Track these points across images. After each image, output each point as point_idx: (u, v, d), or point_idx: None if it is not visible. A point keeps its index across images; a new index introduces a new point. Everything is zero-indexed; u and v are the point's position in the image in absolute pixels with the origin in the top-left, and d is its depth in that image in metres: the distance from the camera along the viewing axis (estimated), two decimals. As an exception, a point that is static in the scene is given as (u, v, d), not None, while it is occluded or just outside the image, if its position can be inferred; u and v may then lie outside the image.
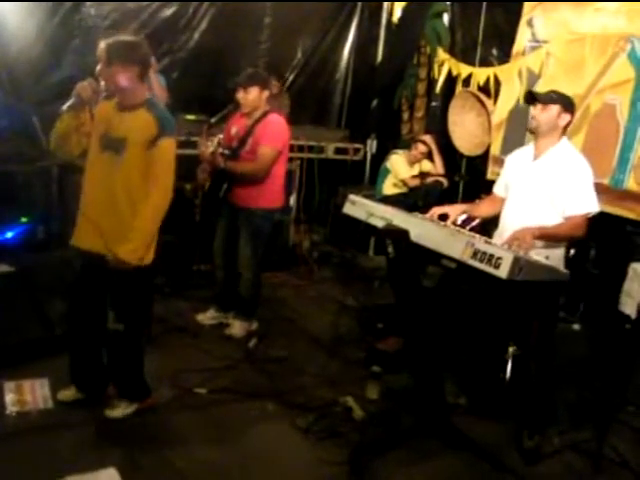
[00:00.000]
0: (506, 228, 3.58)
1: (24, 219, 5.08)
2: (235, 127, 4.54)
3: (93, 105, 3.23)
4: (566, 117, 3.52)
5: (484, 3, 6.28)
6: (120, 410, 3.50)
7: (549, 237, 3.43)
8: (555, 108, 3.49)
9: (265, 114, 4.44)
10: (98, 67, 3.13)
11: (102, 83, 3.15)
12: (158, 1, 6.37)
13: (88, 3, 6.01)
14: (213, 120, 4.65)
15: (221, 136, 4.50)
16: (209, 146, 4.41)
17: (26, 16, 5.66)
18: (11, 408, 3.46)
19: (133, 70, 3.12)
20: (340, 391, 3.90)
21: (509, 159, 3.84)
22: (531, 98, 3.57)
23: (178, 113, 6.14)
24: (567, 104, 3.53)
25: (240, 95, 4.39)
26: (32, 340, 3.95)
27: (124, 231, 3.14)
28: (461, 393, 3.89)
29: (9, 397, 3.53)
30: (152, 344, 4.14)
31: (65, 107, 3.17)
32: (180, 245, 5.50)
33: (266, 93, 4.44)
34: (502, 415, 3.75)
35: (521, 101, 5.69)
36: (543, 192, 3.48)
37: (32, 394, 3.59)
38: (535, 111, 3.52)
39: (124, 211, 3.17)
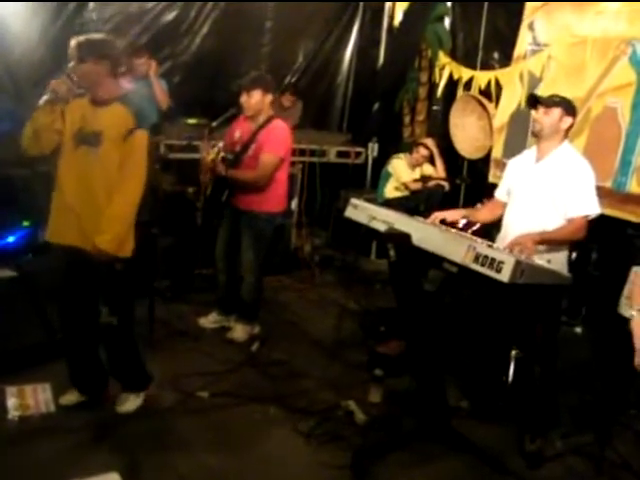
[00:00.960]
0: (509, 232, 3.58)
1: (26, 223, 5.07)
2: (239, 131, 4.54)
3: (65, 103, 3.27)
4: (568, 120, 3.53)
5: (485, 6, 6.29)
6: (130, 403, 3.55)
7: (550, 241, 3.44)
8: (557, 111, 3.50)
9: (269, 120, 4.43)
10: (70, 65, 3.19)
11: (75, 80, 3.20)
12: (161, 1, 6.38)
13: (90, 7, 6.03)
14: (215, 124, 4.63)
15: (221, 144, 4.48)
16: (210, 153, 4.41)
17: (29, 19, 5.69)
18: (13, 412, 3.46)
19: (105, 66, 3.21)
20: (342, 395, 3.90)
21: (511, 163, 3.85)
22: (533, 101, 3.58)
23: (180, 117, 6.17)
24: (568, 107, 3.55)
25: (243, 98, 4.38)
26: (34, 345, 3.96)
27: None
28: (463, 396, 3.89)
29: (11, 401, 3.54)
30: (154, 348, 4.14)
31: (41, 102, 3.21)
32: (182, 248, 5.50)
33: (269, 97, 4.42)
34: (504, 418, 3.74)
35: (522, 105, 5.70)
36: (545, 195, 3.49)
37: (34, 398, 3.59)
38: (537, 115, 3.53)
39: (103, 204, 3.21)
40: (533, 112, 3.58)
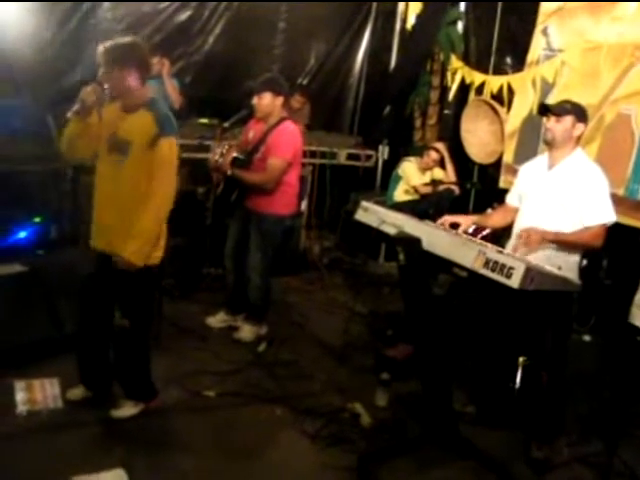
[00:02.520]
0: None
1: (37, 219, 5.11)
2: (252, 131, 4.55)
3: (99, 109, 3.24)
4: (580, 127, 3.51)
5: (499, 11, 6.27)
6: (125, 410, 3.52)
7: (566, 243, 3.42)
8: (569, 119, 3.47)
9: (280, 121, 4.44)
10: (99, 71, 3.16)
11: (105, 87, 3.17)
12: (175, 1, 6.40)
13: (105, 6, 6.05)
14: (226, 124, 4.65)
15: (226, 144, 4.48)
16: (216, 153, 4.42)
17: (43, 19, 5.72)
18: (22, 407, 3.48)
19: (133, 72, 3.15)
20: (348, 397, 3.90)
21: (523, 169, 3.83)
22: (544, 110, 3.55)
23: (191, 117, 6.18)
24: (580, 114, 3.52)
25: (254, 100, 4.40)
26: (43, 339, 3.97)
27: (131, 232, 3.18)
28: (469, 402, 3.88)
29: (20, 396, 3.56)
30: (161, 346, 4.15)
31: (70, 113, 3.19)
32: (191, 248, 5.52)
33: (280, 99, 4.42)
34: (510, 425, 3.73)
35: (534, 110, 5.67)
36: (558, 202, 3.47)
37: (42, 393, 3.61)
38: (549, 123, 3.50)
39: (131, 212, 3.19)
40: (545, 120, 3.56)
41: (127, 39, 3.24)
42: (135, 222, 3.16)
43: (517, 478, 3.35)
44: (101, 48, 3.12)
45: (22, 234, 5.02)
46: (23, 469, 3.01)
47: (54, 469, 3.01)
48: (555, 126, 3.48)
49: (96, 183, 3.35)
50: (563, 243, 3.41)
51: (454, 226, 3.66)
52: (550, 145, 3.55)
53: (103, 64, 3.13)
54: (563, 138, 3.48)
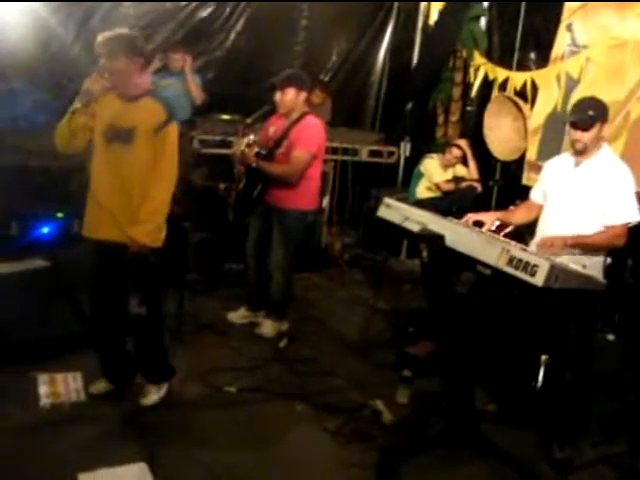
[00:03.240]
0: (545, 235, 3.53)
1: (60, 214, 5.15)
2: (273, 127, 4.54)
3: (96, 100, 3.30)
4: (606, 127, 3.46)
5: (523, 6, 6.21)
6: (152, 396, 3.58)
7: (587, 246, 3.39)
8: (597, 125, 3.41)
9: (302, 116, 4.43)
10: (101, 62, 3.21)
11: (105, 77, 3.22)
12: (196, 1, 6.43)
13: (127, 4, 6.09)
14: (249, 120, 4.65)
15: (252, 136, 4.48)
16: (240, 144, 4.42)
17: (66, 15, 5.76)
18: (45, 400, 3.52)
19: (136, 61, 3.22)
20: (369, 394, 3.88)
21: (548, 165, 3.79)
22: (571, 124, 3.48)
23: (213, 113, 6.20)
24: (604, 115, 3.44)
25: (277, 96, 4.39)
26: (66, 334, 4.01)
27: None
28: (491, 400, 3.86)
29: (43, 389, 3.60)
30: (182, 342, 4.17)
31: (77, 104, 3.24)
32: (213, 243, 5.53)
33: (303, 94, 4.42)
34: (533, 424, 3.70)
35: (559, 107, 5.63)
36: (583, 200, 3.43)
37: (65, 387, 3.66)
38: (577, 135, 3.43)
39: (137, 198, 3.26)
40: (572, 131, 3.49)
41: (124, 30, 3.32)
42: (142, 206, 3.24)
43: (539, 478, 3.32)
44: (100, 38, 3.18)
45: (45, 229, 5.07)
46: (46, 461, 3.03)
47: (76, 461, 3.03)
48: (584, 136, 3.41)
49: (95, 174, 3.38)
50: (584, 246, 3.38)
51: (478, 224, 3.63)
52: (582, 153, 3.49)
53: (103, 54, 3.18)
54: (593, 144, 3.44)
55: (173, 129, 3.31)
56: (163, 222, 3.34)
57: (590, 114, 3.41)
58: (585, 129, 3.40)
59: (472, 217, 3.65)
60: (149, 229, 3.26)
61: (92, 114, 3.29)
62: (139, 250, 3.23)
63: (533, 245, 3.50)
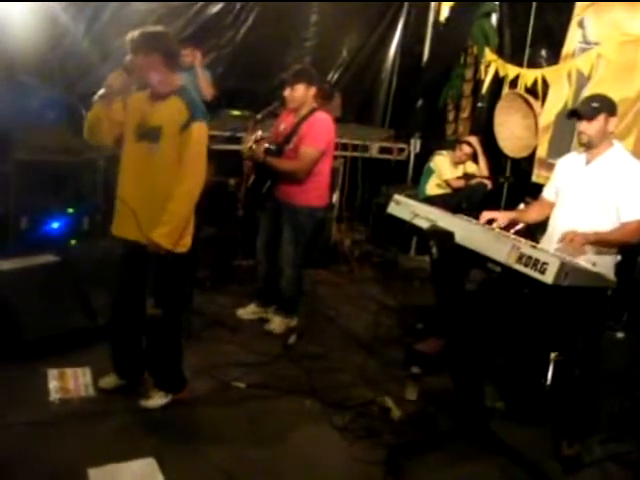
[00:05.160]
0: (557, 233, 3.52)
1: (70, 210, 5.17)
2: (283, 124, 4.55)
3: (125, 95, 3.30)
4: (613, 120, 3.45)
5: (534, 3, 6.18)
6: (155, 400, 3.55)
7: (605, 242, 3.38)
8: (602, 117, 3.41)
9: (312, 112, 4.43)
10: (127, 58, 3.21)
11: (131, 73, 3.22)
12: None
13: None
14: (259, 116, 4.66)
15: (260, 132, 4.49)
16: (250, 140, 4.42)
17: (77, 11, 5.77)
18: (54, 395, 3.53)
19: (160, 59, 3.19)
20: (378, 391, 3.89)
21: (560, 163, 3.78)
22: (574, 115, 3.48)
23: (223, 108, 6.20)
24: (611, 107, 3.44)
25: (287, 92, 4.39)
26: (76, 329, 4.03)
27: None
28: (499, 397, 3.85)
29: (52, 384, 3.61)
30: (191, 337, 4.18)
31: (96, 97, 3.25)
32: (222, 240, 5.54)
33: (313, 90, 4.42)
34: (541, 421, 3.70)
35: (570, 104, 5.60)
36: (596, 198, 3.42)
37: (74, 382, 3.67)
38: (582, 126, 3.44)
39: (162, 198, 3.22)
40: (577, 124, 3.48)
41: (155, 27, 3.31)
42: (166, 207, 3.19)
43: (547, 475, 3.30)
44: (130, 35, 3.18)
45: (55, 225, 5.09)
46: (55, 456, 3.05)
47: (85, 456, 3.04)
48: (588, 128, 3.41)
49: (123, 171, 3.38)
50: (604, 243, 3.37)
51: (490, 222, 3.62)
52: (587, 146, 3.48)
53: (131, 51, 3.18)
54: (599, 137, 3.43)
55: (198, 128, 3.21)
56: (184, 226, 3.25)
57: (594, 105, 3.43)
58: (589, 119, 3.39)
59: (486, 215, 3.64)
60: (166, 231, 3.17)
61: (123, 109, 3.29)
62: (156, 251, 3.19)
63: (545, 241, 3.49)
